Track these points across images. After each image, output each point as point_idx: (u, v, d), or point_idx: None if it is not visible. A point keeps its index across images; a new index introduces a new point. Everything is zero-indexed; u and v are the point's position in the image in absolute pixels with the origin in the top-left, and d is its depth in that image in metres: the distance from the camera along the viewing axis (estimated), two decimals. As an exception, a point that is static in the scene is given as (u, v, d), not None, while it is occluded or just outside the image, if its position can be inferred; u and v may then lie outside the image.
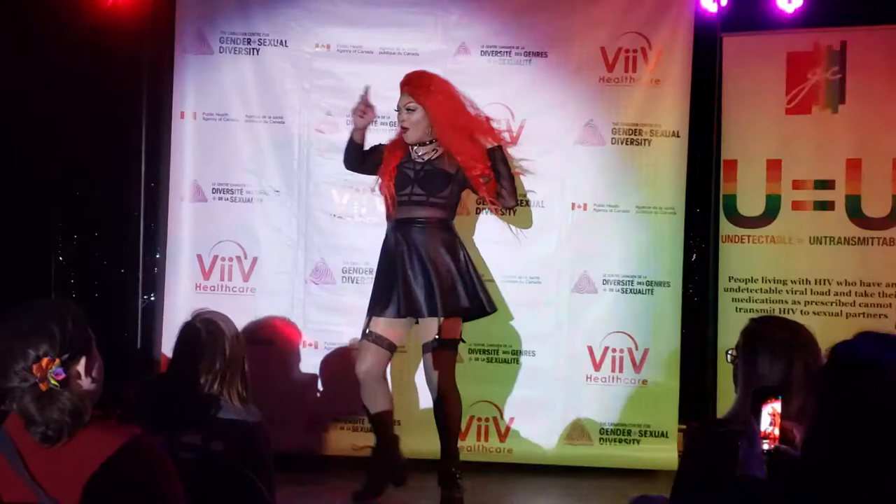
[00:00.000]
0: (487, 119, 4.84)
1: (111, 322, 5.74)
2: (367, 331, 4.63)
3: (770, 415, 2.24)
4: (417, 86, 4.68)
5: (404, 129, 4.67)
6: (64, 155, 5.89)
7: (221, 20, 5.60)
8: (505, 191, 4.65)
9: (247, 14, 5.61)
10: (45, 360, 2.08)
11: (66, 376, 2.10)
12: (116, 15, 5.63)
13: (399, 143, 4.75)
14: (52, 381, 2.08)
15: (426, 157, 4.70)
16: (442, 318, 4.55)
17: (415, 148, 4.71)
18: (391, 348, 4.66)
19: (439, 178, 4.67)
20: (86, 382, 2.16)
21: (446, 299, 4.54)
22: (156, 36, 5.68)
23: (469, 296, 4.62)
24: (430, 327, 4.59)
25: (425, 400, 5.00)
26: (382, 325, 4.62)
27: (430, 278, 4.55)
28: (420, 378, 4.96)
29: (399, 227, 4.64)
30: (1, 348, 2.11)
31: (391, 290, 4.58)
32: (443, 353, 4.58)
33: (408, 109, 4.66)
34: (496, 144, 4.69)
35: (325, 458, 5.28)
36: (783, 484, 2.07)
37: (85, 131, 5.90)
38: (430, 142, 4.69)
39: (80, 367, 2.15)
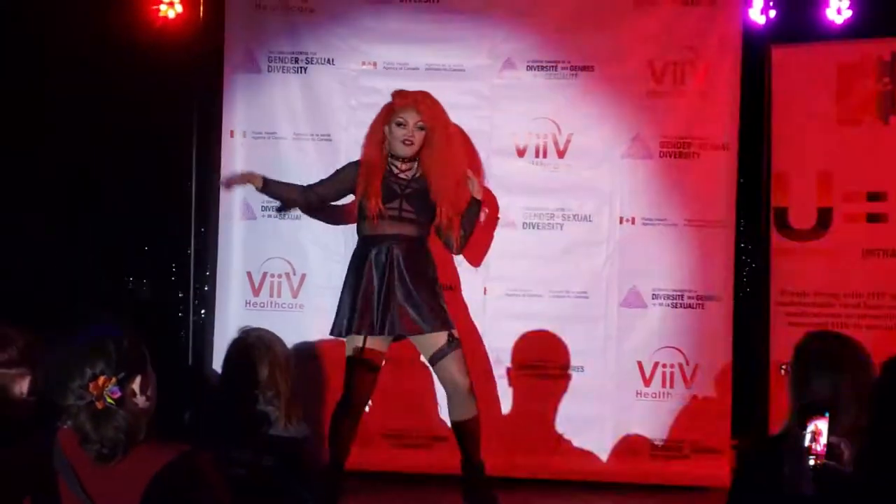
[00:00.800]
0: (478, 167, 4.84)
1: (163, 339, 5.80)
2: (362, 349, 4.51)
3: (812, 432, 2.21)
4: (428, 106, 4.62)
5: (407, 144, 4.58)
6: (115, 174, 5.97)
7: (270, 40, 5.66)
8: (462, 240, 4.66)
9: (294, 33, 5.66)
10: (101, 379, 2.11)
11: (121, 395, 2.12)
12: (167, 36, 5.70)
13: (376, 158, 4.63)
14: (108, 400, 2.10)
15: (409, 175, 4.64)
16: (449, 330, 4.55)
17: (396, 162, 4.64)
18: (375, 371, 4.58)
19: (425, 197, 4.62)
20: (140, 401, 2.18)
21: (441, 314, 4.54)
22: (206, 56, 5.74)
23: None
24: (431, 340, 4.54)
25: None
26: (371, 345, 4.53)
27: (429, 293, 4.53)
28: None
29: (387, 243, 4.55)
30: (59, 366, 2.14)
31: (386, 308, 4.50)
32: (460, 351, 4.55)
33: (419, 128, 4.59)
34: (477, 199, 4.66)
35: (372, 474, 5.27)
36: (833, 501, 2.03)
37: (137, 151, 5.98)
38: (413, 158, 4.64)
39: (136, 385, 2.18)
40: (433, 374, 4.70)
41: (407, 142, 4.58)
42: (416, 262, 4.57)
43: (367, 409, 4.70)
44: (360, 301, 4.52)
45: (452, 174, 4.65)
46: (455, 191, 4.64)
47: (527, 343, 5.51)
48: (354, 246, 5.41)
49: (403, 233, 4.58)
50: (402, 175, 4.63)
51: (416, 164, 4.65)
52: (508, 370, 5.52)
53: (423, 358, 4.73)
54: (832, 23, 5.58)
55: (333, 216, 5.13)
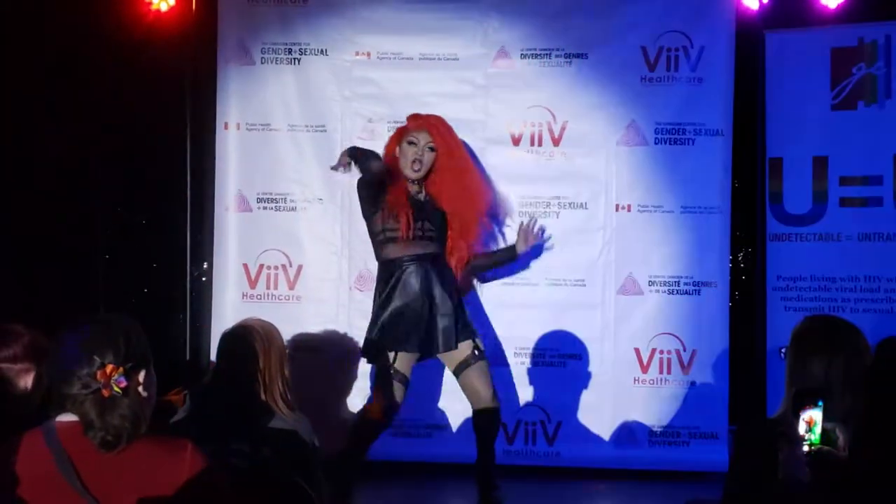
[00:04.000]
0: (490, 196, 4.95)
1: (160, 333, 5.79)
2: (393, 369, 4.58)
3: (806, 421, 2.22)
4: (440, 131, 4.71)
5: (416, 165, 4.66)
6: (109, 167, 5.96)
7: (263, 31, 5.65)
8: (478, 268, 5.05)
9: (288, 24, 5.64)
10: (109, 367, 2.12)
11: (127, 385, 2.14)
12: (159, 28, 5.69)
13: (395, 174, 4.70)
14: (115, 389, 2.12)
15: (420, 196, 4.73)
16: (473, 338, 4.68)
17: (410, 182, 4.72)
18: (406, 383, 4.64)
19: (441, 215, 4.74)
20: (143, 395, 2.19)
21: (466, 322, 4.69)
22: (199, 48, 5.73)
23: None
24: (457, 352, 4.64)
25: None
26: (406, 361, 4.60)
27: (456, 307, 4.66)
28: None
29: (420, 262, 4.63)
30: (67, 354, 2.15)
31: (420, 327, 4.59)
32: (485, 363, 4.67)
33: (430, 148, 4.68)
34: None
35: (372, 464, 5.28)
36: (829, 486, 2.04)
37: (130, 144, 5.97)
38: (422, 180, 4.72)
39: (140, 378, 2.19)
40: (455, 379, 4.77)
41: (416, 164, 4.66)
42: (444, 278, 4.68)
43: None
44: (403, 319, 4.58)
45: (466, 200, 4.79)
46: (465, 217, 4.79)
47: (525, 332, 5.52)
48: (350, 237, 5.40)
49: (430, 251, 4.67)
50: (416, 195, 4.73)
51: (423, 186, 4.73)
52: (507, 359, 5.52)
53: (447, 369, 4.82)
54: (825, 7, 5.57)
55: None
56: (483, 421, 4.68)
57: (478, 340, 4.70)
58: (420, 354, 4.66)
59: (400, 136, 4.77)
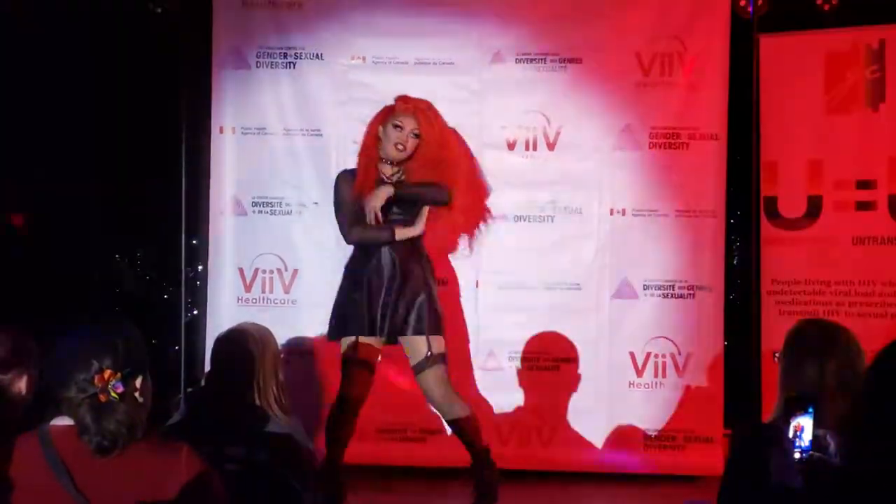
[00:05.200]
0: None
1: (155, 338, 5.79)
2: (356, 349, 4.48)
3: (794, 427, 2.22)
4: (428, 118, 4.60)
5: (399, 149, 4.56)
6: (105, 172, 5.96)
7: (258, 35, 5.65)
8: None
9: (283, 29, 5.65)
10: (107, 372, 2.13)
11: (124, 390, 2.14)
12: (154, 33, 5.69)
13: (371, 162, 4.61)
14: (112, 394, 2.12)
15: (395, 178, 4.60)
16: (429, 336, 4.50)
17: (384, 166, 4.60)
18: (370, 371, 4.56)
19: (413, 200, 4.58)
20: (139, 401, 2.20)
21: (430, 317, 4.52)
22: (193, 52, 5.73)
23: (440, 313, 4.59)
24: (417, 346, 4.52)
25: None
26: (366, 343, 4.51)
27: (421, 297, 4.52)
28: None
29: (384, 246, 4.54)
30: (65, 357, 2.15)
31: (382, 310, 4.49)
32: (441, 367, 4.53)
33: (414, 135, 4.56)
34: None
35: (366, 468, 5.28)
36: (822, 493, 2.04)
37: (125, 148, 5.97)
38: (401, 164, 4.60)
39: (137, 384, 2.19)
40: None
41: (399, 146, 4.56)
42: (409, 263, 4.56)
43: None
44: (358, 303, 4.52)
45: (443, 167, 4.64)
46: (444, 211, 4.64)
47: (520, 335, 5.52)
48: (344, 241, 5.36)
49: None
50: (388, 179, 4.60)
51: (401, 170, 4.62)
52: (501, 363, 5.52)
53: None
54: (820, 11, 5.58)
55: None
56: (457, 426, 4.59)
57: (435, 345, 4.51)
58: (383, 339, 4.53)
59: (385, 116, 4.63)
